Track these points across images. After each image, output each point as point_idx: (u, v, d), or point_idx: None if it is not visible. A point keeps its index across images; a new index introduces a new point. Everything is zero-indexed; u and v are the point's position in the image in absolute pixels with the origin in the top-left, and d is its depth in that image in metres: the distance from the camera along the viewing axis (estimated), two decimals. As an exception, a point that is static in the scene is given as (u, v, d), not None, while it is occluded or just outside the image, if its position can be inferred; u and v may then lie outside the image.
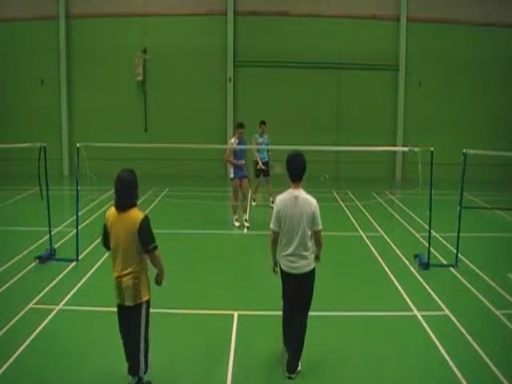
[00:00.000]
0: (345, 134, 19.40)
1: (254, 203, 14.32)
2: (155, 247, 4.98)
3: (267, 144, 13.67)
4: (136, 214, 4.93)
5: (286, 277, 5.67)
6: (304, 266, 5.53)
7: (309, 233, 5.51)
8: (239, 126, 11.80)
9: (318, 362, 5.84)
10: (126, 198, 4.96)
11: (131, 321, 5.03)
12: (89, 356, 5.90)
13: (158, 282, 5.23)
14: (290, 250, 5.53)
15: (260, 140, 13.60)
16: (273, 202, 14.63)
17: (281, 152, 9.86)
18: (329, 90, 19.78)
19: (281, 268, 5.71)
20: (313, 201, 5.54)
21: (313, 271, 5.61)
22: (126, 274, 4.95)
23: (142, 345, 5.05)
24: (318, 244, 5.65)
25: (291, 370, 5.56)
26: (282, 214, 5.51)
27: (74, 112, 20.02)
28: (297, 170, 5.55)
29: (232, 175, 11.90)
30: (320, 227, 5.56)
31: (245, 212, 12.17)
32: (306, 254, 5.52)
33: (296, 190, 5.55)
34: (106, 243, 5.18)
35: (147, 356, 5.14)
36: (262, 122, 13.90)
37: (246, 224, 11.96)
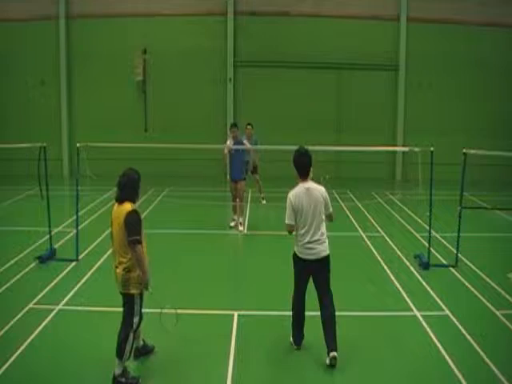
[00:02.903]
0: (345, 133, 19.40)
1: (263, 202, 14.63)
2: (136, 241, 5.13)
3: (256, 144, 13.96)
4: (126, 206, 5.27)
5: (306, 264, 5.88)
6: (322, 250, 5.85)
7: (323, 217, 5.89)
8: (232, 125, 11.85)
9: (317, 362, 5.84)
10: (123, 191, 5.34)
11: (124, 307, 5.42)
12: (88, 356, 5.89)
13: (142, 284, 5.29)
14: (309, 237, 5.80)
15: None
16: (263, 199, 14.79)
17: (281, 152, 9.88)
18: (329, 90, 19.80)
19: (298, 257, 5.92)
20: (321, 188, 5.94)
21: (329, 255, 5.94)
22: (119, 264, 5.28)
23: (127, 333, 5.29)
24: (331, 220, 6.07)
25: (335, 348, 5.71)
26: (298, 207, 5.79)
27: (74, 112, 20.03)
28: (304, 167, 5.88)
29: (228, 176, 11.89)
30: (332, 209, 5.99)
31: (240, 215, 11.81)
32: (323, 238, 5.86)
33: (305, 183, 5.87)
34: None
35: (132, 346, 5.38)
36: (249, 124, 14.16)
37: (240, 228, 11.63)
